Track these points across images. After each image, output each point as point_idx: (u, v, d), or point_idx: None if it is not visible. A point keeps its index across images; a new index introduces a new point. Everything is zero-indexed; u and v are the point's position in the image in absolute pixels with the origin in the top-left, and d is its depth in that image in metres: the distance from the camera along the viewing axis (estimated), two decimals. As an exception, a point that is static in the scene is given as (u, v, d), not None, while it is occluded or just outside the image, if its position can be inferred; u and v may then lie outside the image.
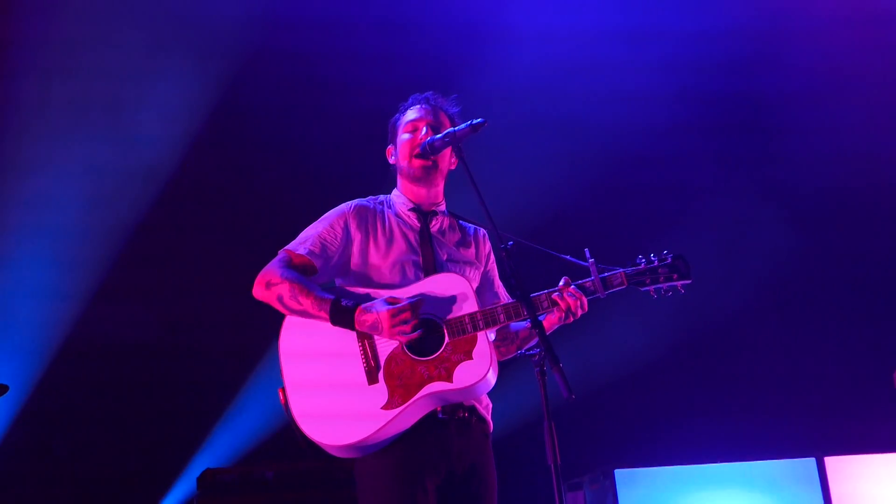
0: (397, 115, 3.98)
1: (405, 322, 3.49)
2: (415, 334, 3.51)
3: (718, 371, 7.69)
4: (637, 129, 7.53)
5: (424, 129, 3.84)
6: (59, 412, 6.84)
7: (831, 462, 6.45)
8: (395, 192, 3.96)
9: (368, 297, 3.63)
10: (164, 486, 6.83)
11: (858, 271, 7.93)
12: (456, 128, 3.68)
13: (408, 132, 3.87)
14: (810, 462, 6.45)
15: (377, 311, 3.51)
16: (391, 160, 3.97)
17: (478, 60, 7.32)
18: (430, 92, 3.97)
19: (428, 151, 3.77)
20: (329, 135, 7.00)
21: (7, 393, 5.27)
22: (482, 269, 3.96)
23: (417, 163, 3.82)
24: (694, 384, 7.57)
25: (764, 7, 7.70)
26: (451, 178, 3.94)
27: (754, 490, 6.33)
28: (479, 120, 3.62)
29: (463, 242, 3.93)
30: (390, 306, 3.51)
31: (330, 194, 4.14)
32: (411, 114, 3.90)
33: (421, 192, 3.89)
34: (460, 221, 4.00)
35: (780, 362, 7.74)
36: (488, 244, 4.01)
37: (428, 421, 3.55)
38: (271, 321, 3.73)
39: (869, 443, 6.88)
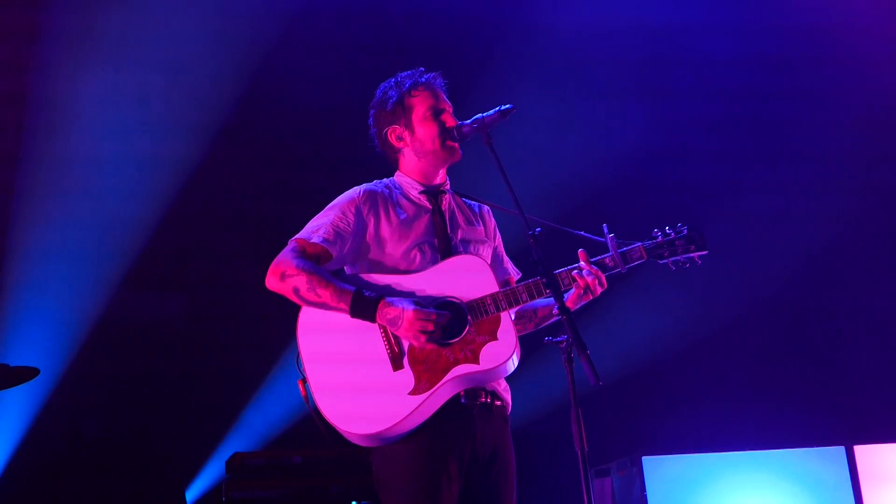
0: (395, 94, 3.83)
1: (425, 331, 3.45)
2: (430, 345, 3.48)
3: (747, 358, 7.66)
4: (662, 121, 7.52)
5: (449, 112, 3.80)
6: (89, 396, 6.91)
7: (861, 451, 6.39)
8: (399, 174, 3.88)
9: (387, 286, 3.60)
10: (194, 470, 6.88)
11: (886, 262, 7.87)
12: (485, 114, 3.64)
13: (430, 115, 3.77)
14: (839, 450, 6.39)
15: (402, 307, 3.46)
16: (396, 143, 3.85)
17: (508, 50, 7.32)
18: (427, 71, 3.87)
19: (456, 136, 3.74)
20: (358, 126, 6.99)
21: (37, 376, 5.32)
22: (493, 245, 3.92)
23: (450, 146, 3.76)
24: (723, 372, 7.54)
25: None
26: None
27: (783, 478, 6.29)
28: (507, 106, 3.59)
29: (472, 220, 3.89)
30: (417, 307, 3.47)
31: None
32: (428, 96, 3.80)
33: (435, 174, 3.84)
34: (464, 199, 3.94)
35: (809, 350, 7.70)
36: (493, 219, 3.97)
37: (451, 406, 3.53)
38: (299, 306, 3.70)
39: (899, 431, 6.84)
